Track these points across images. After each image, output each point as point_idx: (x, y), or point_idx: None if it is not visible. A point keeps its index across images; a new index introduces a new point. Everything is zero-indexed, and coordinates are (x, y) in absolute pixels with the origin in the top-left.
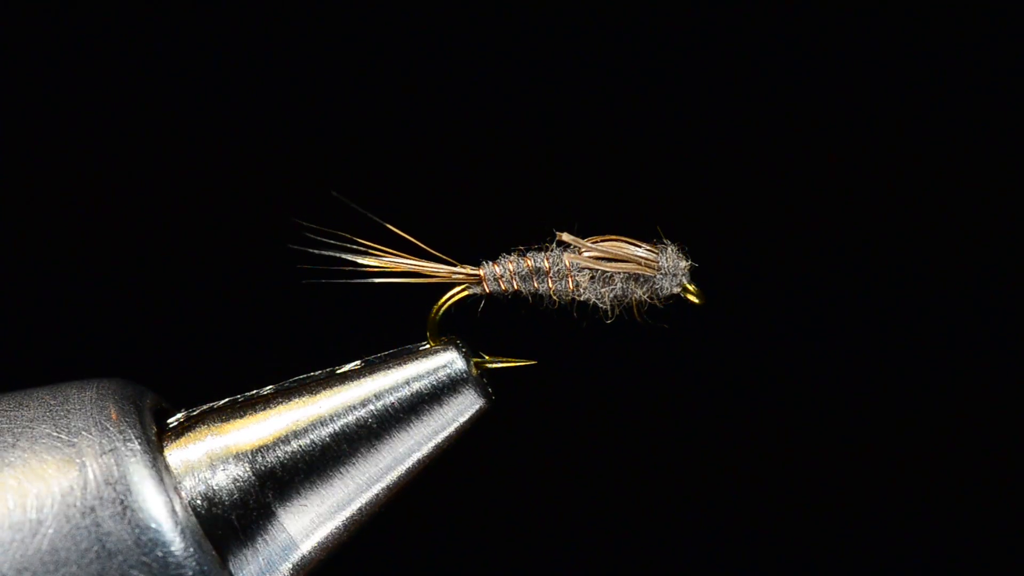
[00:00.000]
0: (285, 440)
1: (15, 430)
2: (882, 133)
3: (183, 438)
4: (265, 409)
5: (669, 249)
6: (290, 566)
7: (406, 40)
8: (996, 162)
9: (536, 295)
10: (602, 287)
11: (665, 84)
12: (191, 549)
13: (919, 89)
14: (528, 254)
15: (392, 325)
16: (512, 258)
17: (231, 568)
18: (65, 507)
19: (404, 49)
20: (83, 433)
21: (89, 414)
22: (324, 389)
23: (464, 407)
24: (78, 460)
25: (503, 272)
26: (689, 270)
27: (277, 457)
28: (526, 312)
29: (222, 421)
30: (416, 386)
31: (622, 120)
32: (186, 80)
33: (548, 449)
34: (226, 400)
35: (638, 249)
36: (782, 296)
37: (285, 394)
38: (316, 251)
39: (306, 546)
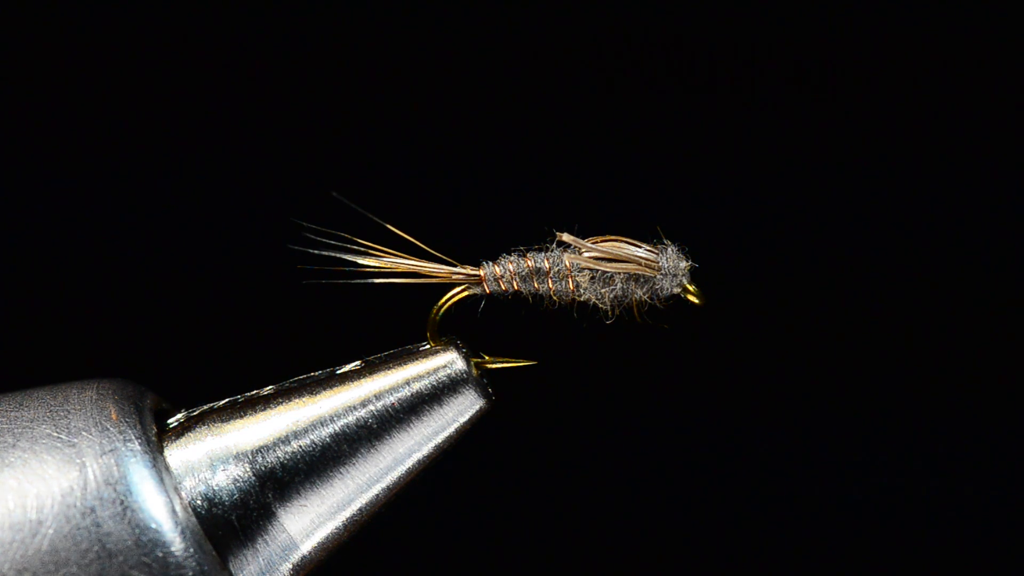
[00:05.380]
0: (285, 440)
1: (15, 430)
2: (881, 132)
3: (183, 438)
4: (265, 409)
5: (669, 249)
6: (290, 566)
7: (406, 40)
8: (996, 162)
9: (536, 295)
10: (602, 287)
11: (664, 84)
12: (191, 549)
13: (918, 87)
14: (528, 254)
15: (392, 325)
16: (512, 258)
17: (231, 568)
18: (65, 507)
19: (404, 49)
20: (83, 433)
21: (89, 414)
22: (324, 389)
23: (464, 407)
24: (78, 460)
25: (503, 272)
26: (689, 270)
27: (277, 457)
28: (526, 312)
29: (222, 421)
30: (416, 386)
31: (622, 120)
32: (186, 80)
33: (548, 449)
34: (226, 400)
35: (638, 249)
36: (782, 296)
37: (285, 394)
38: (316, 251)
39: (306, 546)
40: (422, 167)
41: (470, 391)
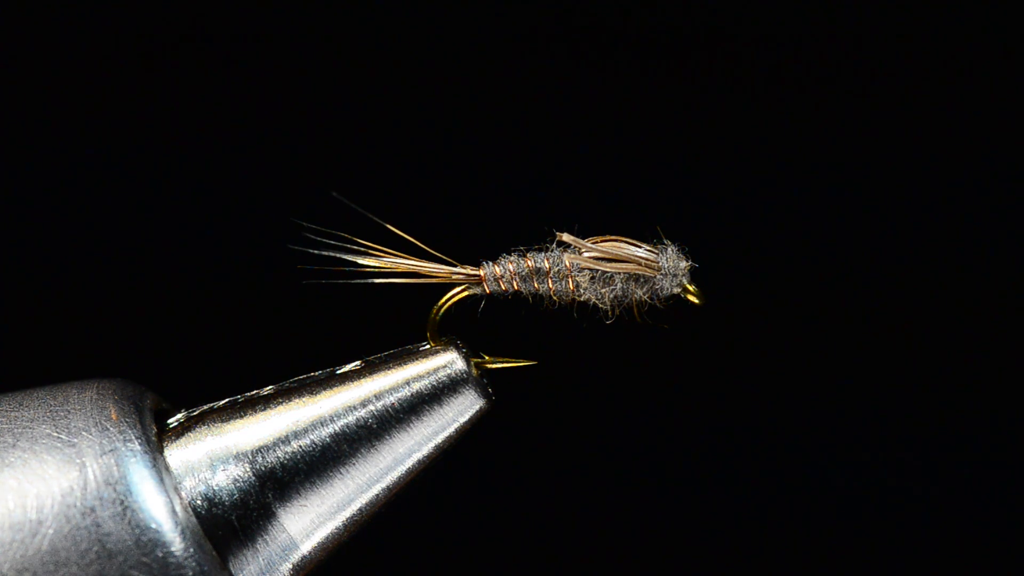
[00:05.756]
0: (285, 440)
1: (15, 430)
2: (882, 132)
3: (183, 438)
4: (265, 409)
5: (669, 249)
6: (290, 566)
7: (405, 40)
8: (997, 162)
9: (536, 295)
10: (602, 287)
11: (664, 84)
12: (191, 549)
13: (919, 87)
14: (528, 254)
15: (392, 325)
16: (512, 258)
17: (231, 568)
18: (65, 507)
19: (403, 49)
20: (83, 433)
21: (89, 414)
22: (324, 389)
23: (464, 407)
24: (78, 460)
25: (503, 272)
26: (689, 270)
27: (277, 457)
28: (526, 312)
29: (222, 421)
30: (416, 386)
31: (622, 120)
32: (186, 80)
33: (548, 449)
34: (226, 400)
35: (638, 249)
36: (782, 296)
37: (285, 394)
38: (316, 251)
39: (306, 546)
40: (422, 167)
41: (470, 391)
